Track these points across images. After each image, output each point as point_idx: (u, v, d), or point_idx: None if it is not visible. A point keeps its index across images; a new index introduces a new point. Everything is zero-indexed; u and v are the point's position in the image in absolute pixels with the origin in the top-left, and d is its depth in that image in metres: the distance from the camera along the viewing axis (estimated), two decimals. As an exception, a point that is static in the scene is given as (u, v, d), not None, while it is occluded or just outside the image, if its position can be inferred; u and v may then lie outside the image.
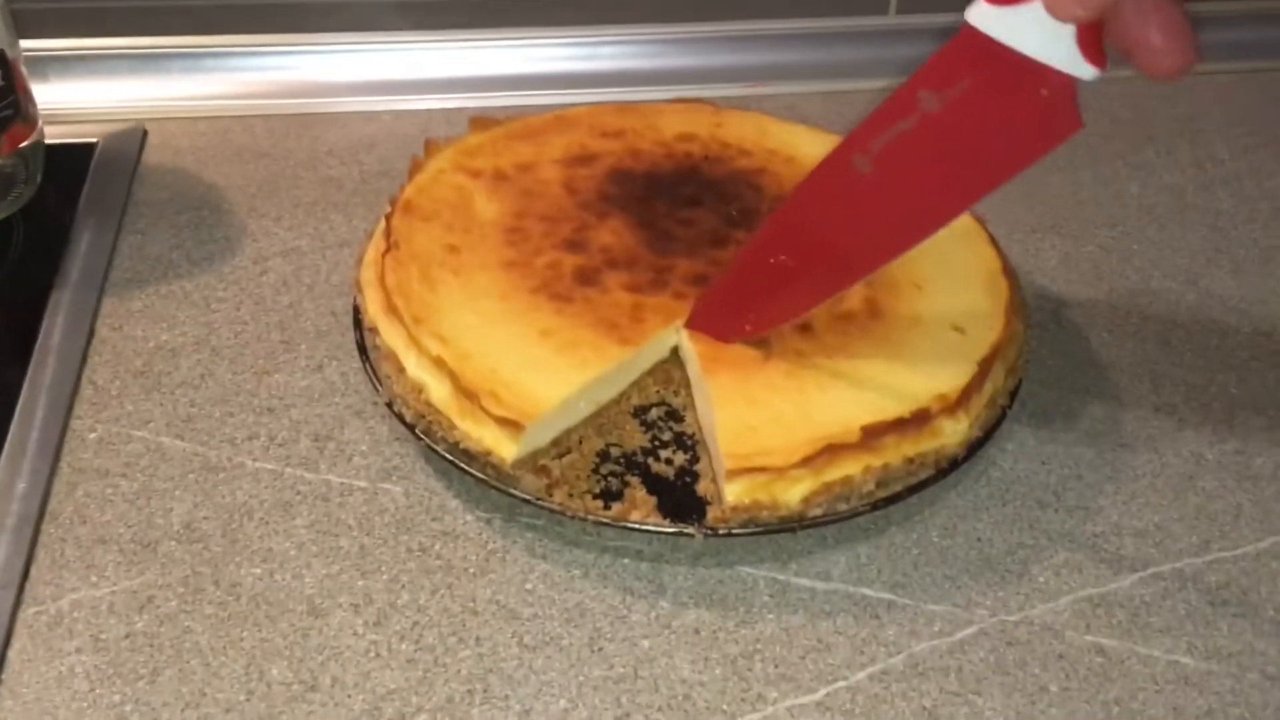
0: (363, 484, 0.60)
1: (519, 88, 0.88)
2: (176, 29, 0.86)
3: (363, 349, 0.63)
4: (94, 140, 0.81)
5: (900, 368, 0.59)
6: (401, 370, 0.59)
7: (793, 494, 0.55)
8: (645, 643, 0.53)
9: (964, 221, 0.68)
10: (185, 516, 0.58)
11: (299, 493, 0.59)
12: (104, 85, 0.85)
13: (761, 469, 0.54)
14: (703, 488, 0.58)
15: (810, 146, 0.73)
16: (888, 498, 0.56)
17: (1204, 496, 0.61)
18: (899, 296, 0.63)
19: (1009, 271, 0.65)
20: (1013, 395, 0.62)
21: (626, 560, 0.57)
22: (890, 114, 0.51)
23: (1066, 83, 0.47)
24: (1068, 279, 0.75)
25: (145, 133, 0.83)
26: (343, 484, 0.60)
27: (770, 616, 0.55)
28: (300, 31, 0.87)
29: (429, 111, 0.86)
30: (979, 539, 0.58)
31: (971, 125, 0.49)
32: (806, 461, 0.54)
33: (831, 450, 0.55)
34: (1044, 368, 0.68)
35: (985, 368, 0.59)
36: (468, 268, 0.64)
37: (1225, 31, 0.96)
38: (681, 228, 0.67)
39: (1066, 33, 0.46)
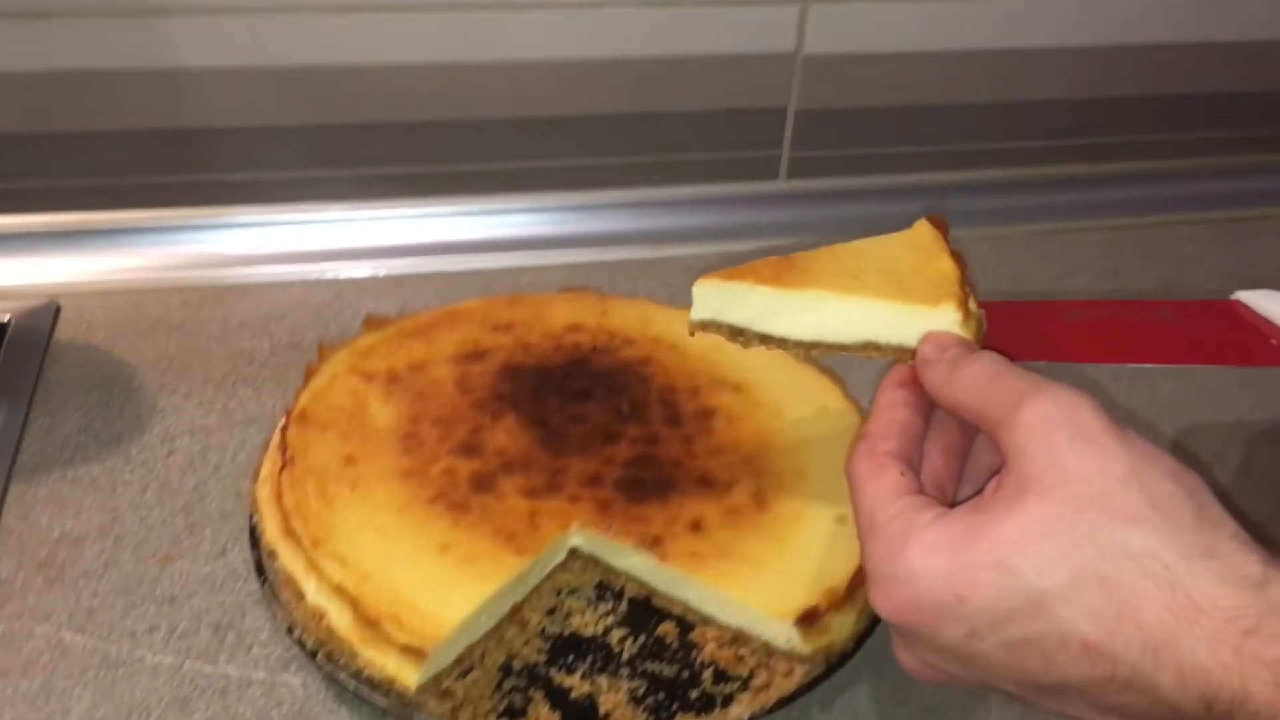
0: (261, 675, 0.61)
1: (427, 254, 0.91)
2: (89, 205, 0.88)
3: (259, 568, 0.62)
4: (5, 317, 0.82)
5: (789, 564, 0.59)
6: (301, 597, 0.59)
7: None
8: (533, 836, 0.55)
9: (843, 411, 0.70)
10: (83, 716, 0.58)
11: (197, 687, 0.60)
12: (16, 262, 0.87)
13: None
14: (606, 701, 0.57)
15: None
16: (784, 699, 0.57)
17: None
18: (783, 486, 0.63)
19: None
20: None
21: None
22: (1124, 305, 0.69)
23: None
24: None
25: (58, 308, 0.84)
26: (241, 676, 0.61)
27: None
28: (212, 205, 0.89)
29: (339, 281, 0.89)
30: None
31: (1191, 334, 0.64)
32: None
33: None
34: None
35: None
36: (365, 479, 0.63)
37: (1095, 192, 1.02)
38: (573, 425, 0.66)
39: None
